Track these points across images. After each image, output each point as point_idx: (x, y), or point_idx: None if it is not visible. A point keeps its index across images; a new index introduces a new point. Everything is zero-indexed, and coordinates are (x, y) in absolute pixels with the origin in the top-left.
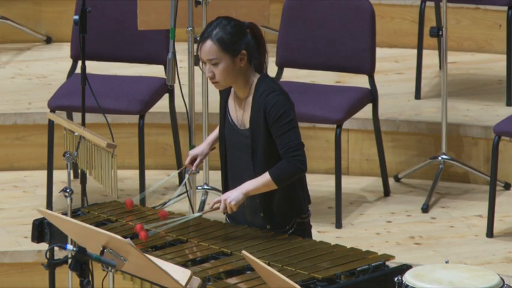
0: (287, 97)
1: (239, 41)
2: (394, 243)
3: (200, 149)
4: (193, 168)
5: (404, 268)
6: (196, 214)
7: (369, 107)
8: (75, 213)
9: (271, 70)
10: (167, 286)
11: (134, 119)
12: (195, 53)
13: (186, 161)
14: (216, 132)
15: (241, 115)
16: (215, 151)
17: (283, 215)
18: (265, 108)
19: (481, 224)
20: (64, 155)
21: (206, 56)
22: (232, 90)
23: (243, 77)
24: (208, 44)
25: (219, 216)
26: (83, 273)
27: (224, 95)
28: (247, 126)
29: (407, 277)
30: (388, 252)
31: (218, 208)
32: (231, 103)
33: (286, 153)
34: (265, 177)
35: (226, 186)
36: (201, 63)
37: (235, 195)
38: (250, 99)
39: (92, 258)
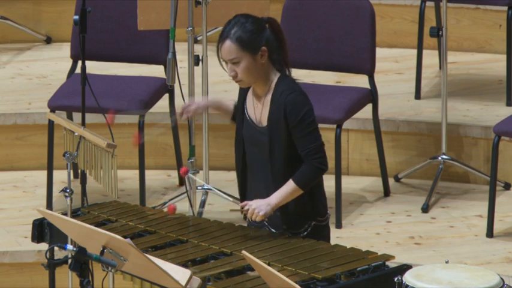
0: (306, 97)
1: (258, 38)
2: (394, 243)
3: (198, 101)
4: (181, 109)
5: (404, 268)
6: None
7: (369, 107)
8: (75, 213)
9: None
10: (167, 286)
11: (134, 119)
12: (195, 53)
13: (182, 106)
14: (221, 101)
15: (259, 112)
16: (213, 150)
17: (300, 216)
18: (286, 109)
19: (481, 224)
20: (64, 155)
21: (226, 56)
22: (251, 87)
23: (264, 74)
24: (228, 44)
25: (219, 216)
26: (83, 273)
27: (243, 92)
28: (265, 123)
29: (407, 277)
30: (388, 252)
31: (245, 211)
32: (249, 100)
33: (307, 156)
34: (290, 185)
35: (244, 182)
36: (222, 63)
37: (264, 209)
38: (269, 97)
39: (92, 258)
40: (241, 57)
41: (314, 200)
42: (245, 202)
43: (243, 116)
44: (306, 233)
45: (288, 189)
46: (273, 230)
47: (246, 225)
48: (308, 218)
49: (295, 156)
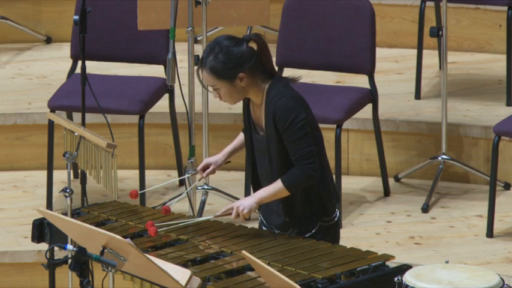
0: (298, 101)
1: (233, 67)
2: (394, 243)
3: (215, 158)
4: (204, 175)
5: (404, 268)
6: (208, 217)
7: (369, 107)
8: (75, 213)
9: None
10: (167, 286)
11: (134, 119)
12: (195, 53)
13: (199, 167)
14: (233, 144)
15: (259, 121)
16: (214, 151)
17: (307, 217)
18: (275, 115)
19: (481, 224)
20: (64, 155)
21: (206, 82)
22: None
23: (251, 89)
24: (204, 73)
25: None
26: (83, 273)
27: (246, 100)
28: (264, 132)
29: (407, 277)
30: (388, 252)
31: (230, 214)
32: (251, 108)
33: (298, 161)
34: (278, 184)
35: (255, 188)
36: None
37: (248, 203)
38: (263, 106)
39: (92, 258)
40: (219, 85)
41: (321, 200)
42: (229, 205)
43: (249, 122)
44: (311, 232)
45: (274, 188)
46: (278, 232)
47: (247, 225)
48: (314, 218)
49: (292, 163)
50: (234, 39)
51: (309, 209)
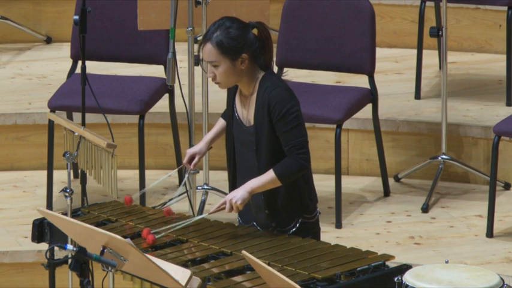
0: (291, 93)
1: (239, 46)
2: (394, 243)
3: (198, 147)
4: (192, 167)
5: (404, 268)
6: (202, 215)
7: (369, 107)
8: (75, 213)
9: None
10: (167, 286)
11: (134, 119)
12: (195, 53)
13: (184, 160)
14: (214, 131)
15: (246, 112)
16: (214, 150)
17: (288, 212)
18: (269, 104)
19: (481, 224)
20: (64, 155)
21: (206, 58)
22: (239, 87)
23: (246, 76)
24: (208, 47)
25: (220, 216)
26: (83, 273)
27: (231, 91)
28: (252, 123)
29: (407, 277)
30: (388, 252)
31: (224, 209)
32: (238, 100)
33: (290, 151)
34: (270, 174)
35: (234, 183)
36: (203, 63)
37: (240, 194)
38: (254, 96)
39: (92, 258)
40: (220, 62)
41: (302, 197)
42: (222, 200)
43: (233, 114)
44: (293, 230)
45: (266, 178)
46: (259, 228)
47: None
48: (295, 215)
49: (281, 155)
50: (240, 22)
51: (290, 203)
